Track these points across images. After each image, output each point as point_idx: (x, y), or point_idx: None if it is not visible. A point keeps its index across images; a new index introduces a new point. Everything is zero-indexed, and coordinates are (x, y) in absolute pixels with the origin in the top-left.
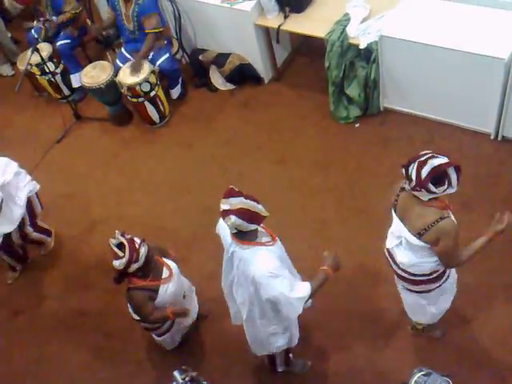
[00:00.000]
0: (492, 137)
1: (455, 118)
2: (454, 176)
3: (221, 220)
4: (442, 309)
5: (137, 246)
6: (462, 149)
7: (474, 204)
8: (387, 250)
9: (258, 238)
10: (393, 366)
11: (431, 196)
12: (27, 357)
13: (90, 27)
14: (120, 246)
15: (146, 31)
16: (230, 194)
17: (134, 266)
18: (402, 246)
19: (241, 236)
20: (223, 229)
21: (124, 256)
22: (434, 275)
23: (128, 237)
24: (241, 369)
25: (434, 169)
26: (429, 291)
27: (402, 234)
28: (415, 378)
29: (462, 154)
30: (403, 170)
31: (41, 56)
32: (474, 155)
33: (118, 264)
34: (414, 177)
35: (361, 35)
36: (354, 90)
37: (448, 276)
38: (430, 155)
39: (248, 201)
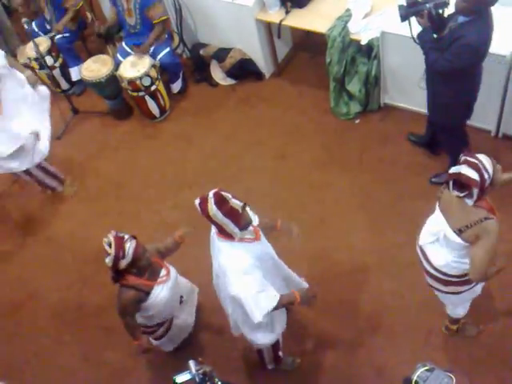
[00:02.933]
0: (493, 134)
1: None
2: (475, 191)
3: None
4: (466, 308)
5: (123, 241)
6: None
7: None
8: (419, 246)
9: (236, 237)
10: (392, 362)
11: (461, 194)
12: (26, 350)
13: (95, 26)
14: (110, 244)
15: (155, 21)
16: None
17: (123, 263)
18: (439, 243)
19: (223, 231)
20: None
21: (110, 253)
22: (467, 277)
23: (119, 235)
24: (235, 366)
25: (459, 175)
26: (458, 293)
27: (441, 230)
28: (418, 372)
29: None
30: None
31: (39, 50)
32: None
33: (107, 261)
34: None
35: (362, 31)
36: (354, 86)
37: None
38: (464, 160)
39: (224, 218)
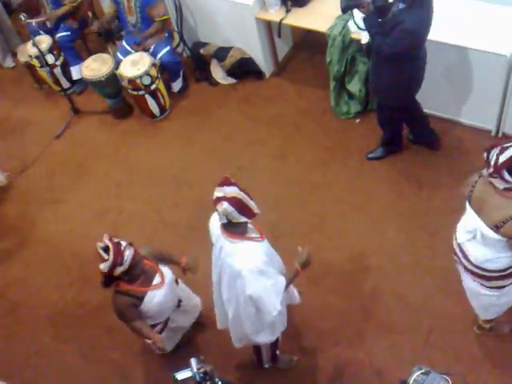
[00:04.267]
0: (493, 133)
1: (456, 114)
2: None
3: (212, 216)
4: (504, 306)
5: (122, 248)
6: (462, 145)
7: None
8: (458, 244)
9: (247, 233)
10: (392, 362)
11: (507, 185)
12: (26, 349)
13: (93, 23)
14: (106, 249)
15: (156, 20)
16: (225, 182)
17: (119, 269)
18: (476, 240)
19: (230, 228)
20: (213, 224)
21: (108, 259)
22: (510, 271)
23: (115, 240)
24: (235, 364)
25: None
26: (502, 287)
27: (476, 227)
28: (414, 376)
29: (462, 151)
30: (485, 154)
31: (39, 48)
32: (475, 152)
33: (103, 267)
34: (492, 162)
35: (362, 30)
36: (354, 86)
37: None
38: None
39: (242, 192)
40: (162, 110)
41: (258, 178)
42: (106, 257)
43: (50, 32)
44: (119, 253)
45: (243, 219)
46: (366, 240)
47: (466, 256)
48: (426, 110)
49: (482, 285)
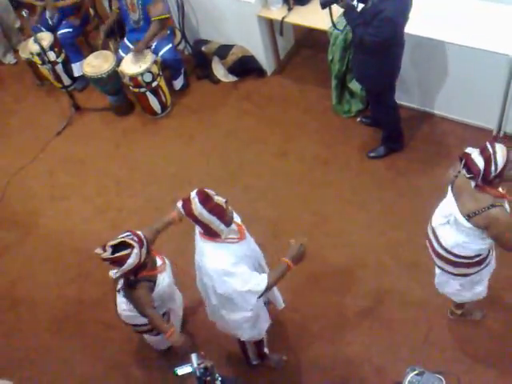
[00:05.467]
0: (494, 133)
1: (457, 113)
2: (478, 178)
3: None
4: (476, 292)
5: (134, 231)
6: (463, 145)
7: None
8: (432, 228)
9: (223, 235)
10: (391, 359)
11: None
12: (26, 345)
13: (99, 27)
14: (117, 249)
15: (152, 18)
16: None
17: (144, 252)
18: (450, 225)
19: (207, 232)
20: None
21: (134, 246)
22: (477, 259)
23: (138, 236)
24: (234, 361)
25: (467, 157)
26: (466, 275)
27: (451, 213)
28: (408, 377)
29: (463, 150)
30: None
31: (41, 45)
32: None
33: (133, 259)
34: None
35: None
36: (356, 84)
37: (489, 263)
38: (483, 145)
39: (210, 216)
40: (164, 107)
41: (259, 176)
42: (127, 250)
43: (52, 29)
44: (136, 235)
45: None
46: (366, 238)
47: (438, 239)
48: (427, 109)
49: (449, 272)
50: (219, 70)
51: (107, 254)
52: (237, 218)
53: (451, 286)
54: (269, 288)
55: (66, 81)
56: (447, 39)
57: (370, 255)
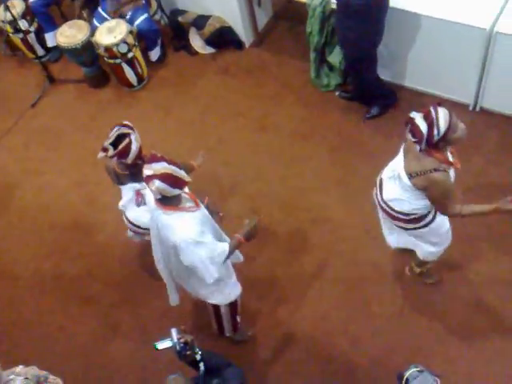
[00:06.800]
0: (470, 108)
1: (434, 87)
2: (422, 142)
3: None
4: (428, 251)
5: (120, 123)
6: None
7: None
8: (380, 179)
9: (181, 203)
10: (367, 332)
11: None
12: (3, 319)
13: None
14: (116, 144)
15: None
16: (153, 159)
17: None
18: (394, 179)
19: (164, 202)
20: (149, 198)
21: (130, 133)
22: (412, 217)
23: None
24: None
25: (411, 121)
26: (406, 230)
27: (397, 168)
28: (410, 371)
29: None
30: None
31: (12, 13)
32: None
33: (135, 145)
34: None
35: None
36: (335, 57)
37: (428, 224)
38: (426, 109)
39: (171, 166)
40: (140, 79)
41: (238, 151)
42: (128, 131)
43: None
44: (124, 124)
45: (177, 192)
46: (344, 213)
47: (382, 191)
48: (403, 83)
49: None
50: (196, 42)
51: (111, 152)
52: (185, 189)
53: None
54: (226, 258)
55: (40, 51)
56: (423, 12)
57: (349, 229)
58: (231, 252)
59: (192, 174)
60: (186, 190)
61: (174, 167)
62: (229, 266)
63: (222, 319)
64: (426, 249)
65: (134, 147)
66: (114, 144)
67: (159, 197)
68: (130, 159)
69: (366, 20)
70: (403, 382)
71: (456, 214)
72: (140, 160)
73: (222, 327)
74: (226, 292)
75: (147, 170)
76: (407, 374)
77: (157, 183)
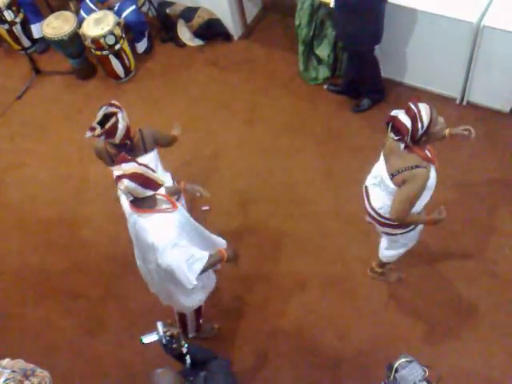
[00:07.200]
0: (457, 101)
1: (421, 81)
2: (407, 138)
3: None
4: (396, 254)
5: (108, 103)
6: None
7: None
8: (365, 187)
9: (157, 205)
10: (354, 325)
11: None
12: None
13: None
14: (103, 122)
15: None
16: (122, 160)
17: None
18: (378, 186)
19: (138, 203)
20: (124, 200)
21: (117, 111)
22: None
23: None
24: None
25: (394, 119)
26: (393, 235)
27: (380, 173)
28: (399, 361)
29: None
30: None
31: None
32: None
33: (122, 124)
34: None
35: None
36: (323, 50)
37: (414, 228)
38: (407, 106)
39: (141, 166)
40: (127, 71)
41: (226, 144)
42: (115, 110)
43: None
44: (111, 103)
45: (149, 192)
46: (332, 206)
47: (369, 199)
48: (391, 77)
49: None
50: (184, 34)
51: (99, 131)
52: (161, 190)
53: (381, 243)
54: (205, 268)
55: (26, 42)
56: (410, 5)
57: (336, 223)
58: (212, 264)
59: (181, 162)
60: (162, 191)
61: (145, 168)
62: (210, 274)
63: (186, 324)
64: (389, 253)
65: (121, 126)
66: (102, 123)
67: (131, 198)
68: (117, 138)
69: (366, 14)
70: (393, 371)
71: (403, 217)
72: (129, 140)
73: (185, 330)
74: (192, 296)
75: (116, 171)
76: (396, 364)
77: (126, 182)
